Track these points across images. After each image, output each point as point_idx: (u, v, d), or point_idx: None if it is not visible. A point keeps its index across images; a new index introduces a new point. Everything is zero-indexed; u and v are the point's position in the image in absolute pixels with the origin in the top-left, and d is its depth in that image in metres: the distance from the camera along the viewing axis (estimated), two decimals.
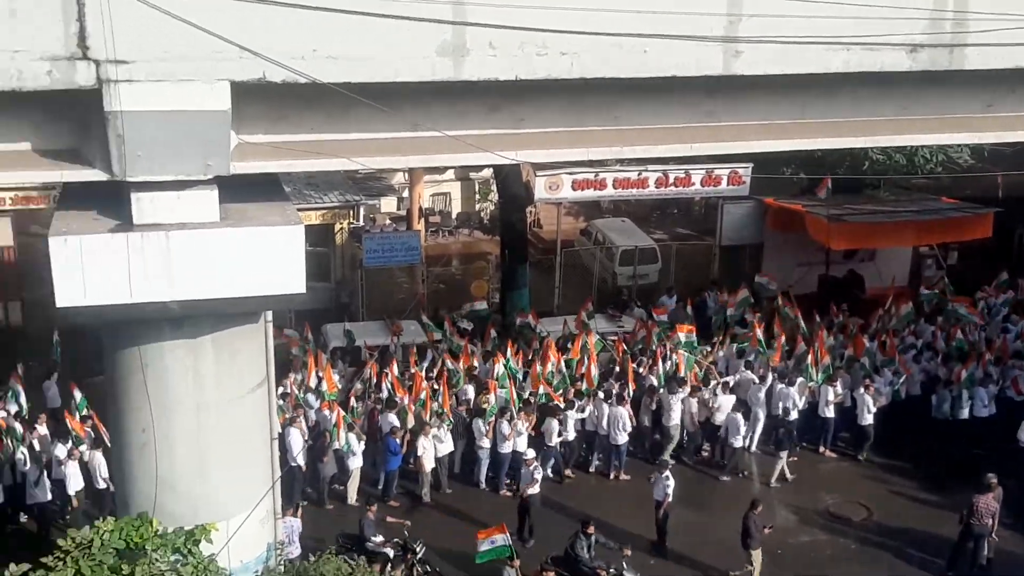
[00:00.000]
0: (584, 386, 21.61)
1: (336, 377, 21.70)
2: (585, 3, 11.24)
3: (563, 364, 22.32)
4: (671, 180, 27.98)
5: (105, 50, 10.13)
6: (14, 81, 10.06)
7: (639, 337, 24.19)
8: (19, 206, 27.10)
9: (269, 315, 13.30)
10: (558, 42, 11.28)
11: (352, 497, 20.11)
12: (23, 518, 19.03)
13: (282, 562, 13.06)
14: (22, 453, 18.60)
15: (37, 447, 18.85)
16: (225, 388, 12.71)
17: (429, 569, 17.16)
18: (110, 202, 11.50)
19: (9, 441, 18.95)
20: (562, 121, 12.75)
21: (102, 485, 18.06)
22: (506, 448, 20.28)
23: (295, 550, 16.28)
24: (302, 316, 23.88)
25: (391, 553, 17.03)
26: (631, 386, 21.57)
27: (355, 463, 19.90)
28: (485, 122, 12.35)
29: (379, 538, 17.18)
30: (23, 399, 20.58)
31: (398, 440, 19.90)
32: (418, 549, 17.06)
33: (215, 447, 12.76)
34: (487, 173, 32.98)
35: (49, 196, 25.42)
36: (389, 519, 17.98)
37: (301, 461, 19.48)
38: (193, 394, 12.49)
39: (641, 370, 22.41)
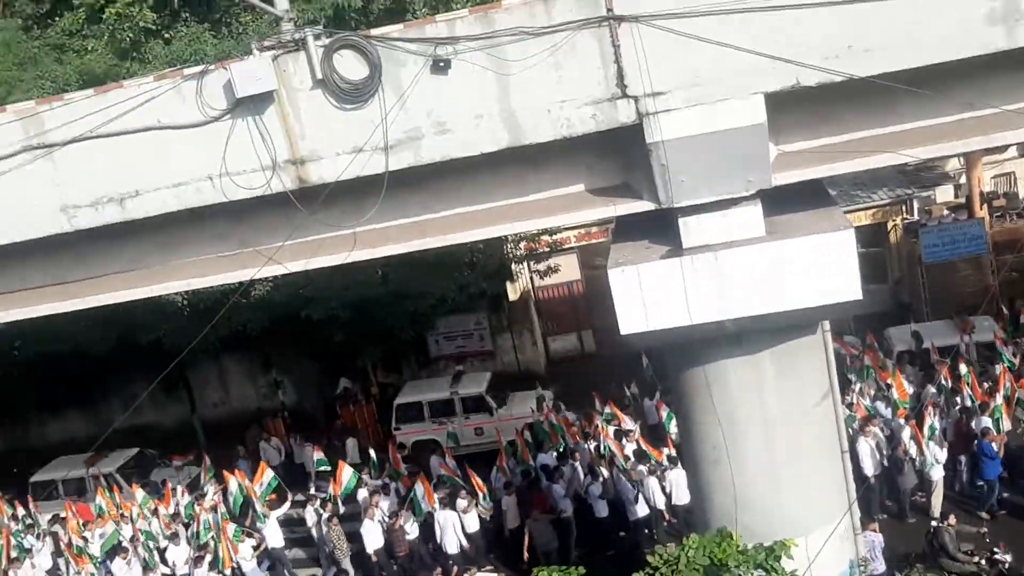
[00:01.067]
0: None
1: (906, 383, 20.56)
2: None
3: None
4: None
5: (642, 85, 10.56)
6: (564, 129, 10.87)
7: None
8: (583, 242, 29.53)
9: (827, 324, 12.91)
10: None
11: (936, 510, 18.77)
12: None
13: None
14: (617, 472, 19.97)
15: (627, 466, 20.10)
16: (789, 401, 12.51)
17: None
18: (659, 229, 11.90)
19: (605, 460, 20.52)
20: None
21: (683, 501, 18.73)
22: None
23: (879, 566, 15.60)
24: (861, 321, 22.95)
25: (981, 564, 15.73)
26: None
27: (937, 474, 18.56)
28: None
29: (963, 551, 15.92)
30: (628, 423, 22.06)
31: (994, 445, 18.22)
32: (1001, 556, 15.60)
33: (785, 462, 12.61)
34: None
35: (607, 229, 27.00)
36: (968, 529, 16.47)
37: (873, 473, 18.63)
38: (758, 409, 12.46)
39: None
